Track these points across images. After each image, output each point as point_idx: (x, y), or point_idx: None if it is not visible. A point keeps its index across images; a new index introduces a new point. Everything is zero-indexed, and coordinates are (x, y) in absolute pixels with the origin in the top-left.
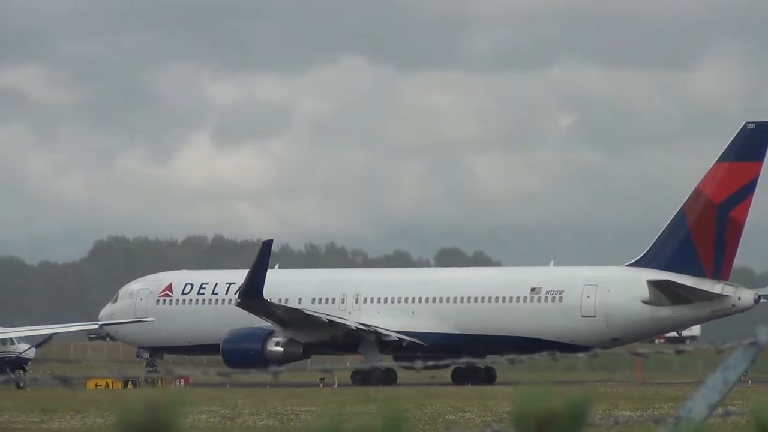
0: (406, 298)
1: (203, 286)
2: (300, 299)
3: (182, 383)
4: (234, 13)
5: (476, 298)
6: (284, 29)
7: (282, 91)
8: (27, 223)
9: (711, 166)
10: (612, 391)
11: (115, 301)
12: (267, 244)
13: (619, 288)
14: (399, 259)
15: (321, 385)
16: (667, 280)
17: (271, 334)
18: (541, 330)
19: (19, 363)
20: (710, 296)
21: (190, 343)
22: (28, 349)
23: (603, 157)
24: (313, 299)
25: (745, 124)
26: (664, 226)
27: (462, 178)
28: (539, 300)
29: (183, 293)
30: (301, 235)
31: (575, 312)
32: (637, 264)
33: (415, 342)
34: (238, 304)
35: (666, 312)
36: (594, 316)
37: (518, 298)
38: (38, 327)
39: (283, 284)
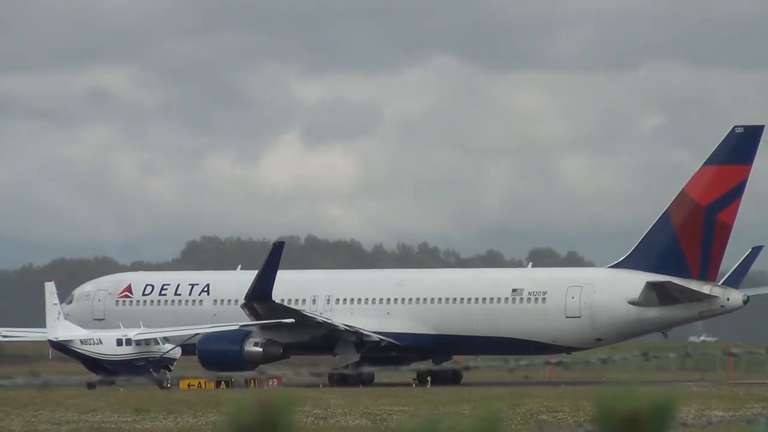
0: (381, 299)
1: (165, 287)
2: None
3: (275, 383)
4: (323, 14)
5: (455, 299)
6: (373, 30)
7: (371, 92)
8: (118, 224)
9: (697, 170)
10: (704, 391)
11: (70, 302)
12: (278, 246)
13: (604, 289)
14: (491, 260)
15: (414, 385)
16: (669, 282)
17: (248, 335)
18: (523, 331)
19: (164, 363)
20: (700, 297)
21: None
22: (173, 348)
23: (691, 158)
24: (282, 300)
25: (734, 128)
26: (648, 229)
27: (550, 178)
28: (521, 301)
29: (144, 294)
30: (391, 235)
31: (559, 313)
32: (621, 266)
33: (392, 342)
34: (244, 305)
35: (653, 313)
36: (579, 317)
37: (499, 299)
38: (182, 327)
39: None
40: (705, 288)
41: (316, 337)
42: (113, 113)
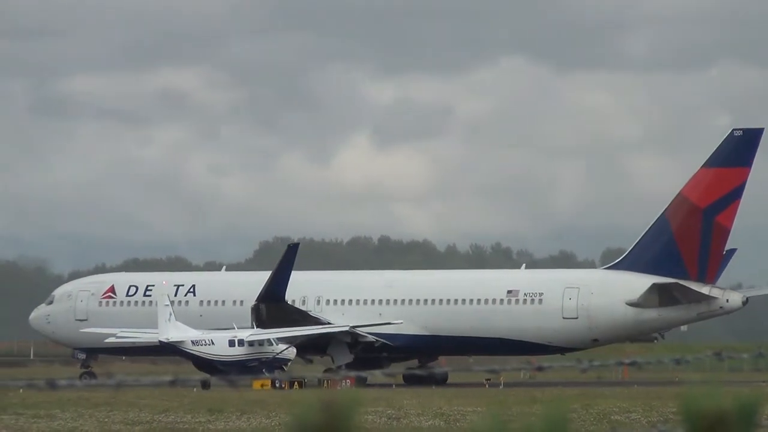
0: (372, 300)
1: (149, 288)
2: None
3: (348, 384)
4: (394, 14)
5: (449, 300)
6: (444, 30)
7: (441, 92)
8: (190, 224)
9: (695, 172)
10: None
11: (51, 302)
12: (292, 248)
13: (601, 290)
14: (564, 260)
15: (486, 385)
16: (676, 283)
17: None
18: (518, 331)
19: (277, 363)
20: (700, 298)
21: (133, 344)
22: (287, 349)
23: (760, 158)
24: None
25: (732, 130)
26: (644, 231)
27: (621, 179)
28: (516, 302)
29: (127, 295)
30: (463, 236)
31: (556, 314)
32: (617, 267)
33: (385, 343)
34: (255, 307)
35: (651, 314)
36: (576, 318)
37: (494, 300)
38: (294, 329)
39: (241, 286)
40: (704, 289)
41: (312, 338)
42: (185, 114)
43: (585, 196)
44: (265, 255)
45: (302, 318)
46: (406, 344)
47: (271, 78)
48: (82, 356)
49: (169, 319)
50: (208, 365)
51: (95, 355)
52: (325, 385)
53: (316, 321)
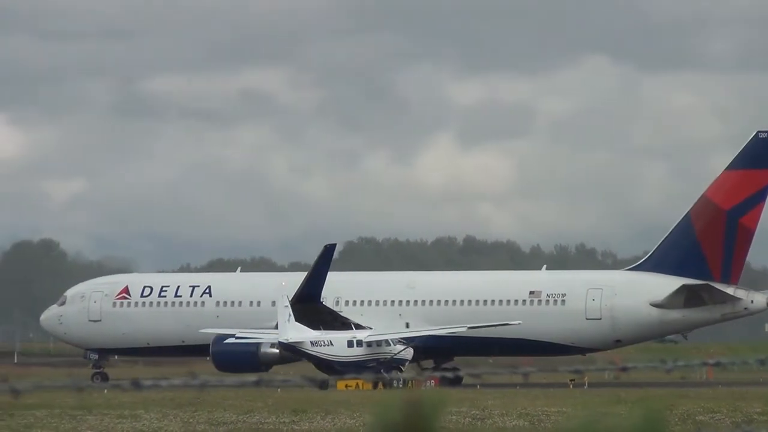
0: (392, 301)
1: (164, 288)
2: (274, 302)
3: (432, 384)
4: (477, 14)
5: (470, 301)
6: (527, 30)
7: (525, 92)
8: (274, 224)
9: (719, 174)
10: None
11: (63, 303)
12: (329, 248)
13: (625, 291)
14: None
15: (571, 386)
16: (706, 284)
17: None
18: (541, 332)
19: (394, 363)
20: (725, 299)
21: (148, 345)
22: (404, 349)
23: None
24: None
25: (757, 132)
26: (668, 233)
27: (704, 179)
28: (539, 303)
29: (142, 296)
30: (547, 236)
31: (579, 315)
32: (639, 268)
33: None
34: (289, 307)
35: (675, 315)
36: (599, 319)
37: (516, 301)
38: (411, 330)
39: (258, 287)
40: (729, 290)
41: None
42: (268, 114)
43: (669, 196)
44: (350, 255)
45: (333, 319)
46: (427, 345)
47: (354, 78)
48: (95, 357)
49: (288, 320)
50: (327, 366)
51: (107, 355)
52: (410, 385)
53: (345, 322)
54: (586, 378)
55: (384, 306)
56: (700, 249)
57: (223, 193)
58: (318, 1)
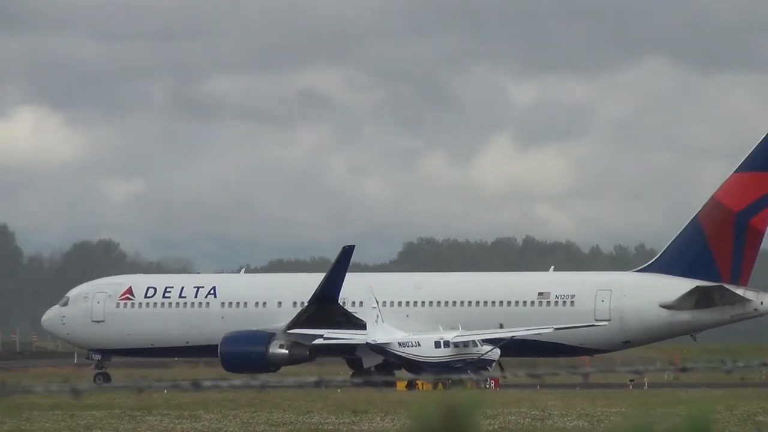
0: (399, 302)
1: (168, 289)
2: (280, 303)
3: (492, 385)
4: (536, 15)
5: (478, 302)
6: (586, 30)
7: (583, 93)
8: (333, 225)
9: (729, 176)
10: None
11: (66, 304)
12: (348, 250)
13: (634, 292)
14: None
15: (630, 386)
16: (720, 286)
17: (272, 336)
18: (550, 333)
19: (482, 364)
20: (734, 301)
21: (152, 345)
22: (491, 350)
23: None
24: (295, 303)
25: (767, 134)
26: (677, 234)
27: None
28: (548, 304)
29: (146, 296)
30: (606, 236)
31: (588, 316)
32: (648, 270)
33: None
34: (307, 308)
35: (685, 316)
36: (608, 320)
37: (525, 302)
38: (498, 330)
39: (263, 288)
40: (739, 291)
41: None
42: (326, 115)
43: None
44: (410, 256)
45: (346, 320)
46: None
47: (413, 79)
48: (97, 357)
49: (377, 321)
50: (414, 366)
51: (109, 356)
52: (470, 386)
53: (358, 323)
54: (645, 378)
55: (390, 307)
56: (710, 250)
57: (282, 194)
58: (376, 2)
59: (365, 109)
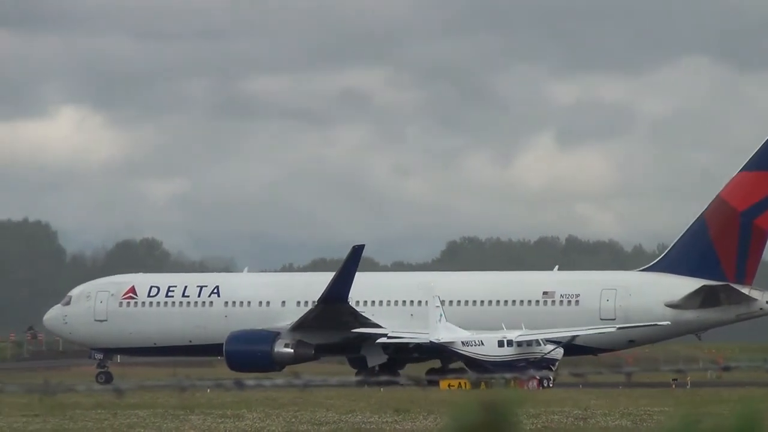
0: (404, 301)
1: (171, 288)
2: (284, 302)
3: (534, 384)
4: (576, 13)
5: (483, 302)
6: (627, 30)
7: (624, 92)
8: (375, 224)
9: (734, 175)
10: None
11: (68, 303)
12: (357, 250)
13: (639, 292)
14: None
15: (673, 386)
16: (727, 285)
17: (277, 335)
18: (551, 333)
19: (545, 363)
20: (740, 300)
21: (155, 344)
22: (554, 349)
23: None
24: (299, 302)
25: None
26: (681, 234)
27: None
28: (553, 303)
29: (149, 296)
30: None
31: (593, 315)
32: (652, 269)
33: (419, 344)
34: (315, 307)
35: (690, 315)
36: (614, 319)
37: (530, 301)
38: (560, 329)
39: (267, 287)
40: (744, 290)
41: (348, 339)
42: (367, 114)
43: None
44: (453, 255)
45: (354, 319)
46: (439, 345)
47: (454, 78)
48: (99, 356)
49: (440, 320)
50: (478, 365)
51: (112, 355)
52: (512, 385)
53: (366, 322)
54: (688, 377)
55: (396, 306)
56: (714, 250)
57: (323, 193)
58: (417, 1)
59: (406, 108)
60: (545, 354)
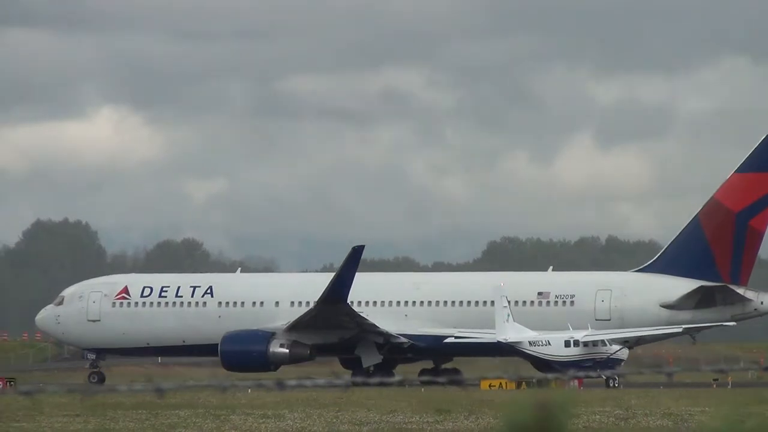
0: (398, 302)
1: (164, 288)
2: (277, 302)
3: (576, 384)
4: (617, 14)
5: (477, 302)
6: (667, 29)
7: (664, 92)
8: (415, 224)
9: (729, 176)
10: None
11: (60, 303)
12: (357, 250)
13: (634, 292)
14: None
15: (714, 385)
16: (724, 286)
17: (273, 335)
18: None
19: (610, 363)
20: (734, 300)
21: (147, 345)
22: (620, 349)
23: None
24: (292, 302)
25: (767, 136)
26: (676, 235)
27: None
28: (547, 304)
29: (142, 296)
30: None
31: (588, 315)
32: (648, 270)
33: (414, 344)
34: (315, 307)
35: (685, 316)
36: (609, 320)
37: (524, 302)
38: (626, 330)
39: (260, 287)
40: (739, 291)
41: (344, 339)
42: (407, 113)
43: None
44: (493, 255)
45: (351, 320)
46: (433, 345)
47: (493, 78)
48: (92, 357)
49: (507, 320)
50: (545, 365)
51: (104, 355)
52: (554, 385)
53: (363, 322)
54: (729, 377)
55: (389, 306)
56: (710, 250)
57: (363, 193)
58: (457, 1)
59: (446, 107)
60: (611, 354)
